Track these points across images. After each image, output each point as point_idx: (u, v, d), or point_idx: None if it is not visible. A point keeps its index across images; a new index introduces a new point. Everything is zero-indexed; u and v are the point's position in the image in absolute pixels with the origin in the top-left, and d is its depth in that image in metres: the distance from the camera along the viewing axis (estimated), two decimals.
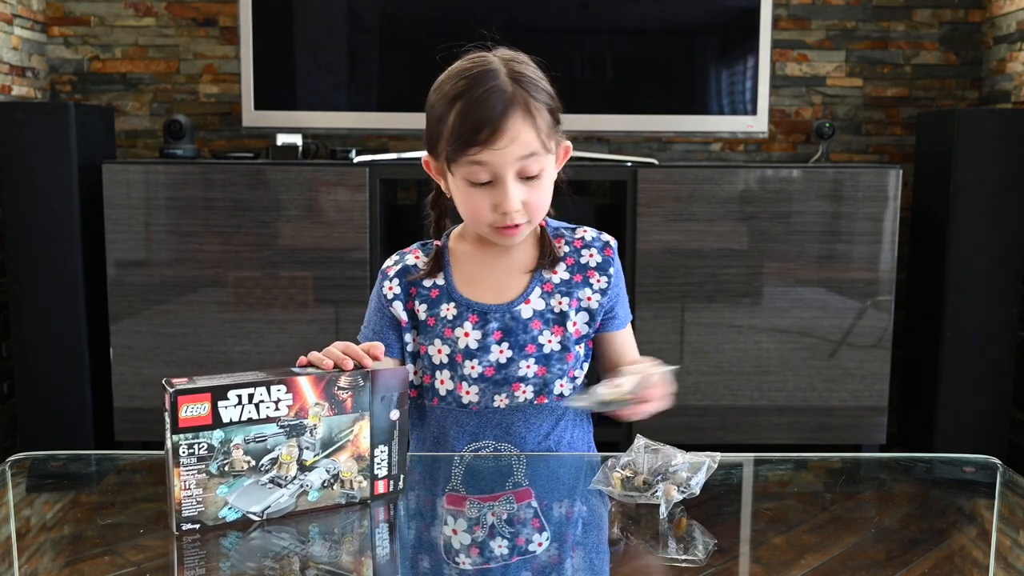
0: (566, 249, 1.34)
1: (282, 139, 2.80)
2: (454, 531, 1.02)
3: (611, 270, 1.33)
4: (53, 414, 2.65)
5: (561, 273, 1.32)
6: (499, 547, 0.97)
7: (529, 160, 1.21)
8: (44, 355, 2.64)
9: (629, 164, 2.67)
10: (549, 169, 1.26)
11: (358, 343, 1.14)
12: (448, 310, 1.30)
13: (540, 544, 0.99)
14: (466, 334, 1.29)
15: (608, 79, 2.94)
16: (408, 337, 1.33)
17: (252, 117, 2.82)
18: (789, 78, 3.15)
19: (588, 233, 1.36)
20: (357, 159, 2.66)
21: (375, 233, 2.62)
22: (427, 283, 1.32)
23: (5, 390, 2.82)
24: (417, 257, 1.35)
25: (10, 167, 2.58)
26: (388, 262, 1.36)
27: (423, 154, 1.30)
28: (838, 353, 2.69)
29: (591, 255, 1.34)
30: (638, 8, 2.89)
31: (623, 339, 1.38)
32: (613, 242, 1.37)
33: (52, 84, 3.10)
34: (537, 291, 1.31)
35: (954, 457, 1.30)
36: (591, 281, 1.33)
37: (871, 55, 3.14)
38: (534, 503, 1.09)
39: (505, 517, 1.04)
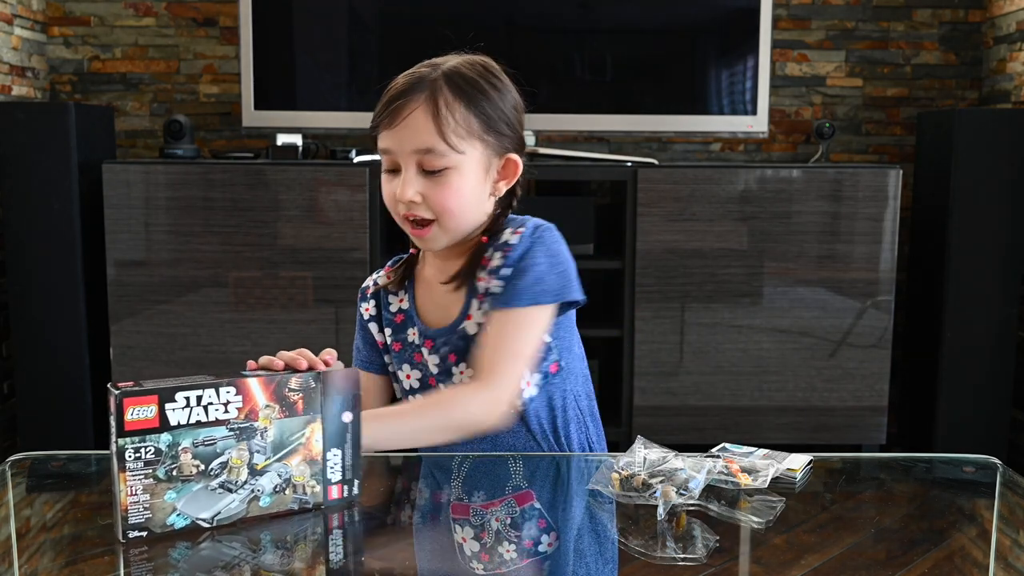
0: (496, 258, 1.25)
1: (282, 139, 2.79)
2: (463, 539, 1.02)
3: (504, 271, 1.24)
4: (53, 414, 2.65)
5: (485, 281, 1.26)
6: (505, 550, 0.97)
7: (428, 156, 1.19)
8: (44, 355, 2.64)
9: (629, 164, 2.67)
10: (464, 172, 1.21)
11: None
12: (413, 335, 1.32)
13: (532, 547, 0.98)
14: (428, 358, 1.30)
15: (608, 79, 2.94)
16: (387, 358, 1.35)
17: (252, 117, 2.82)
18: (789, 78, 3.15)
19: (511, 236, 1.26)
20: (357, 159, 2.66)
21: (375, 233, 2.62)
22: (392, 308, 1.34)
23: (5, 390, 2.82)
24: (389, 277, 1.36)
25: (10, 167, 2.58)
26: (366, 282, 1.39)
27: None
28: (838, 353, 2.69)
29: (494, 257, 1.26)
30: (638, 8, 2.88)
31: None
32: (529, 228, 1.25)
33: (52, 84, 3.10)
34: (474, 304, 1.27)
35: (954, 457, 1.30)
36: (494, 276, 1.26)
37: (871, 55, 3.14)
38: (537, 504, 1.09)
39: (506, 521, 1.04)
